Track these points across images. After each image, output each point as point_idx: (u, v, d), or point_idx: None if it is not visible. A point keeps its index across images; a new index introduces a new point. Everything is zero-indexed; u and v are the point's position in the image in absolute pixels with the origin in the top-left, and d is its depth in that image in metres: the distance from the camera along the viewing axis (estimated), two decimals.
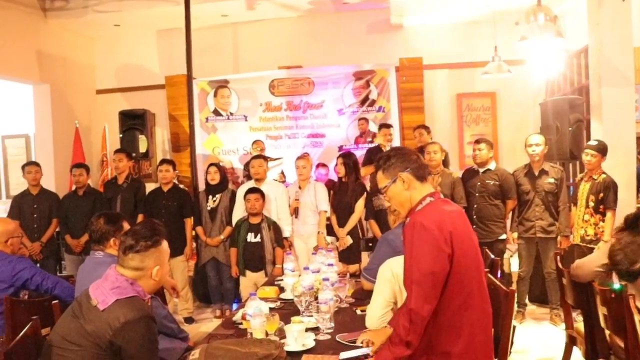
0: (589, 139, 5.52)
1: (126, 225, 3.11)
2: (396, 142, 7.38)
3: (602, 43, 5.50)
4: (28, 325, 2.50)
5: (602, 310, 3.02)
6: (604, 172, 5.02)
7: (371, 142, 6.64)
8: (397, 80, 7.66)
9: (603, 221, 4.97)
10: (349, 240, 5.50)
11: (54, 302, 3.12)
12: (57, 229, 6.18)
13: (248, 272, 5.28)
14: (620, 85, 5.45)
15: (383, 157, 2.47)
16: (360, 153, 6.91)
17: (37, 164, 6.18)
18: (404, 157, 2.41)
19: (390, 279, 2.74)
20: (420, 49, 7.85)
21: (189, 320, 5.85)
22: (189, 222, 5.98)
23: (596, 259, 3.32)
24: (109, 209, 5.84)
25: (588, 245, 5.00)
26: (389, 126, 6.80)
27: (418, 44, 7.91)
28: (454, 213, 2.36)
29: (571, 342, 3.77)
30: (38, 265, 5.55)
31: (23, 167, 6.14)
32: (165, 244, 2.35)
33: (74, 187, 6.30)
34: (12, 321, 3.19)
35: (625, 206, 4.87)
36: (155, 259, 2.30)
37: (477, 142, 5.54)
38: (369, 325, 2.78)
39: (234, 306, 5.89)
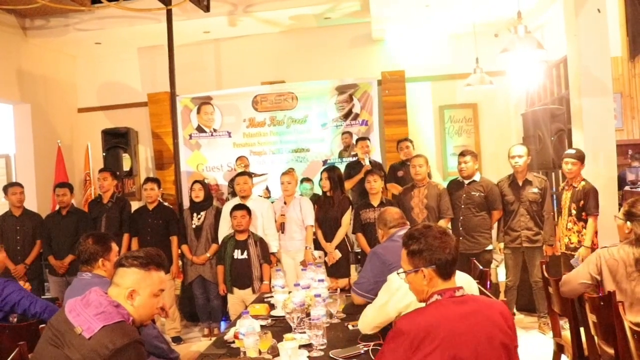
0: (570, 147, 5.59)
1: (114, 246, 3.08)
2: (377, 155, 7.41)
3: (580, 53, 5.59)
4: (15, 352, 2.46)
5: (591, 318, 3.05)
6: (583, 180, 5.08)
7: (355, 155, 6.67)
8: (380, 93, 7.71)
9: (586, 228, 5.03)
10: (337, 255, 5.48)
11: (41, 326, 3.07)
12: (41, 250, 6.08)
13: (235, 290, 5.24)
14: (599, 94, 5.53)
15: (414, 238, 2.17)
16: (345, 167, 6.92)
17: (20, 185, 6.11)
18: (434, 251, 2.12)
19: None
20: (402, 62, 7.92)
21: (177, 339, 5.79)
22: (175, 240, 5.92)
23: (581, 272, 3.35)
24: (94, 229, 5.79)
25: (573, 253, 5.05)
26: (365, 139, 6.86)
27: (400, 57, 7.98)
28: (469, 316, 2.03)
29: (559, 350, 3.80)
30: None
31: (5, 188, 6.05)
32: (156, 275, 2.26)
33: (57, 207, 6.22)
34: None
35: (607, 213, 4.92)
36: (134, 280, 2.21)
37: (463, 154, 5.56)
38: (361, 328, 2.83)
39: (222, 324, 5.85)
